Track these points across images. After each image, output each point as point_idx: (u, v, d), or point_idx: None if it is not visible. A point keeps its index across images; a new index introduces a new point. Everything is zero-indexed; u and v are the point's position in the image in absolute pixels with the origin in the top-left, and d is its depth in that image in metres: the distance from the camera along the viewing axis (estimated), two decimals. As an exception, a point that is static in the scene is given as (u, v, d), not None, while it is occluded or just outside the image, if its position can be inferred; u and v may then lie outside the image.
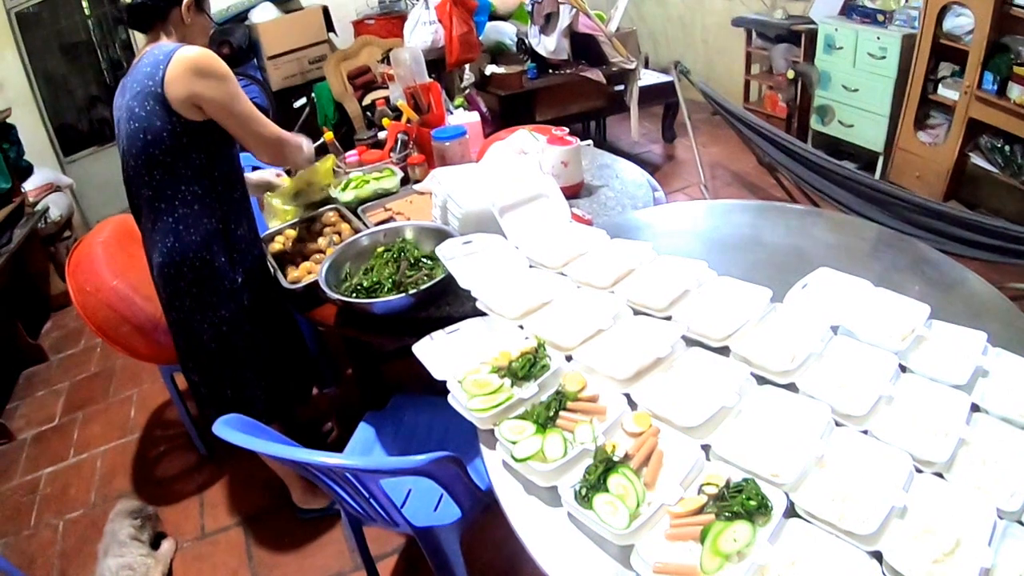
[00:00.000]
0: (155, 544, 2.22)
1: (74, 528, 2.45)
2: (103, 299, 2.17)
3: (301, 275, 1.89)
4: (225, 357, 1.88)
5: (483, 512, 1.53)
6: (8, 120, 3.90)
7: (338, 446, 1.80)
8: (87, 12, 4.78)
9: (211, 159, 1.72)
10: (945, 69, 3.51)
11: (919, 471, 0.95)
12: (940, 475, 0.95)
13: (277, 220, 2.19)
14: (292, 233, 2.09)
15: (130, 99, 1.65)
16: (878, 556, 0.85)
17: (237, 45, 4.53)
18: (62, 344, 3.75)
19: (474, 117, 2.57)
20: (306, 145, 2.02)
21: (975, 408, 1.04)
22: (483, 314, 1.43)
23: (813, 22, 4.18)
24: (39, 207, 3.97)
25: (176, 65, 1.60)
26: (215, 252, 1.76)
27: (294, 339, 2.06)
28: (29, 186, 4.09)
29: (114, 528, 2.16)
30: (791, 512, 0.92)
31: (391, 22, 4.71)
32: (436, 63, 3.75)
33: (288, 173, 2.32)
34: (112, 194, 4.65)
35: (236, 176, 1.85)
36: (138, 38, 4.66)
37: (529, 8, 4.12)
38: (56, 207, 4.20)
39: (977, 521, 0.86)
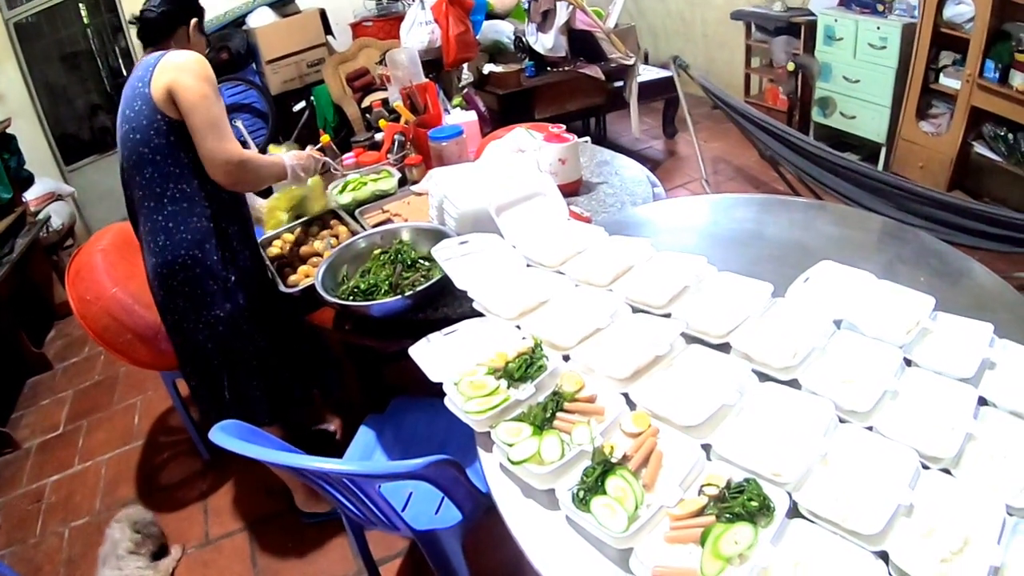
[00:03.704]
0: (158, 556, 2.21)
1: (80, 536, 2.44)
2: (103, 308, 2.17)
3: (299, 278, 1.88)
4: (222, 358, 1.88)
5: (485, 514, 1.51)
6: (8, 130, 3.89)
7: (339, 450, 1.79)
8: (86, 21, 4.77)
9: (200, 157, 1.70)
10: (946, 58, 3.48)
11: (925, 468, 0.93)
12: (947, 471, 0.93)
13: (271, 225, 2.17)
14: (290, 237, 2.08)
15: (122, 104, 1.72)
16: (884, 556, 0.83)
17: (235, 50, 4.52)
18: (66, 352, 3.75)
19: (471, 116, 2.55)
20: (288, 160, 1.91)
21: (982, 402, 1.02)
22: (481, 315, 1.41)
23: (812, 13, 4.15)
24: (41, 216, 3.98)
25: (162, 63, 1.66)
26: (207, 250, 1.76)
27: (297, 342, 2.05)
28: (30, 196, 4.09)
29: (115, 537, 2.15)
30: (794, 512, 0.90)
31: (389, 23, 4.69)
32: (434, 63, 3.73)
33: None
34: (114, 202, 4.60)
35: None
36: (138, 47, 4.66)
37: (526, 6, 4.11)
38: (58, 216, 4.21)
39: (986, 518, 0.84)
